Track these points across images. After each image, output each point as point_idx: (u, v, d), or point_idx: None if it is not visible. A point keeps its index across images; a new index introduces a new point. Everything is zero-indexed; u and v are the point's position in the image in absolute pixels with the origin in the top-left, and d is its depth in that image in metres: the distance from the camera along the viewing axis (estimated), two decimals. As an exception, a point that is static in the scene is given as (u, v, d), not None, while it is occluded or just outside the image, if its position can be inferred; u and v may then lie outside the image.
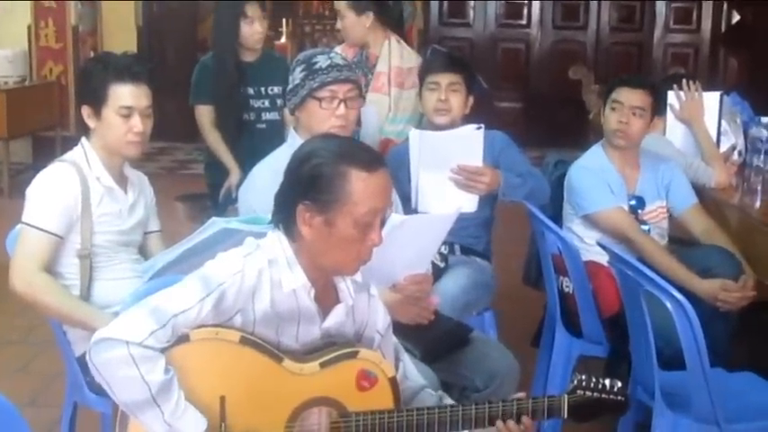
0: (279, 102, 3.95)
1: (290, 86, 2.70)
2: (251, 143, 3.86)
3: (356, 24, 3.71)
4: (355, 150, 1.90)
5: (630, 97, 3.32)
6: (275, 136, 3.81)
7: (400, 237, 2.42)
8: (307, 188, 1.87)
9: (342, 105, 2.63)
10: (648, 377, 2.69)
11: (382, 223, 1.94)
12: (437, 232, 2.67)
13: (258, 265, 1.90)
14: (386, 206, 1.92)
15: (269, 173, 2.62)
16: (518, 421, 1.98)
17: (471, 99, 3.33)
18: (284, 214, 1.92)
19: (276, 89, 3.92)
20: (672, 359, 2.64)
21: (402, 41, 3.85)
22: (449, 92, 3.26)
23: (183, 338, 1.83)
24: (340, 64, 2.66)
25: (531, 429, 2.00)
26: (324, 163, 1.86)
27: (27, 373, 3.95)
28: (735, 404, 2.58)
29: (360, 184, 1.85)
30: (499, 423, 1.97)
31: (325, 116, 2.63)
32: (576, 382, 2.02)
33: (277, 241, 1.94)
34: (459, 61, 3.41)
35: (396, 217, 2.43)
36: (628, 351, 2.89)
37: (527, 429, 1.99)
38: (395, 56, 3.73)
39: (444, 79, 3.26)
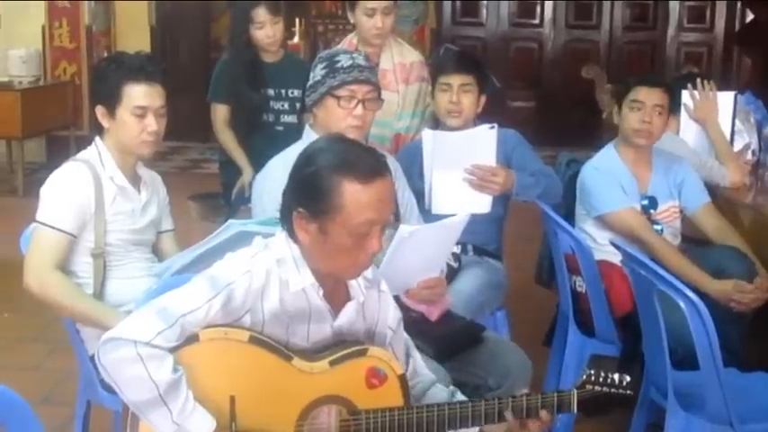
0: (298, 105, 3.96)
1: (310, 82, 2.71)
2: (268, 144, 3.85)
3: (394, 19, 3.70)
4: (352, 160, 1.85)
5: (651, 96, 3.30)
6: (292, 138, 3.82)
7: (411, 247, 2.43)
8: (302, 195, 1.87)
9: (360, 106, 2.64)
10: (661, 377, 2.68)
11: (384, 228, 1.91)
12: (449, 238, 2.67)
13: (266, 265, 1.90)
14: (384, 217, 1.88)
15: (283, 168, 2.63)
16: (536, 416, 1.99)
17: (484, 98, 3.33)
18: (286, 217, 1.92)
19: (296, 92, 3.92)
20: (685, 359, 2.63)
21: (399, 39, 3.87)
22: (461, 93, 3.25)
23: (193, 338, 1.83)
24: (362, 65, 2.67)
25: (548, 423, 2.00)
26: (317, 172, 1.84)
27: (41, 371, 3.97)
28: (748, 404, 2.56)
29: (353, 197, 1.81)
30: (508, 414, 1.96)
31: (343, 115, 2.64)
32: (585, 376, 2.02)
33: (285, 241, 1.94)
34: (470, 61, 3.40)
35: (404, 228, 2.43)
36: (640, 350, 2.89)
37: (544, 424, 1.99)
38: (396, 52, 3.74)
39: (456, 80, 3.25)
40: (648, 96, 3.31)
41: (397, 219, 2.82)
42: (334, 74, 2.64)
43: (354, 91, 2.64)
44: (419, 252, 2.50)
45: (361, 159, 1.86)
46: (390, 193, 1.90)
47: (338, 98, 2.64)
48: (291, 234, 1.92)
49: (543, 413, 1.99)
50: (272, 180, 2.64)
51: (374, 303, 2.07)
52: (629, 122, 3.34)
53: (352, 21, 3.72)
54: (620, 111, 3.38)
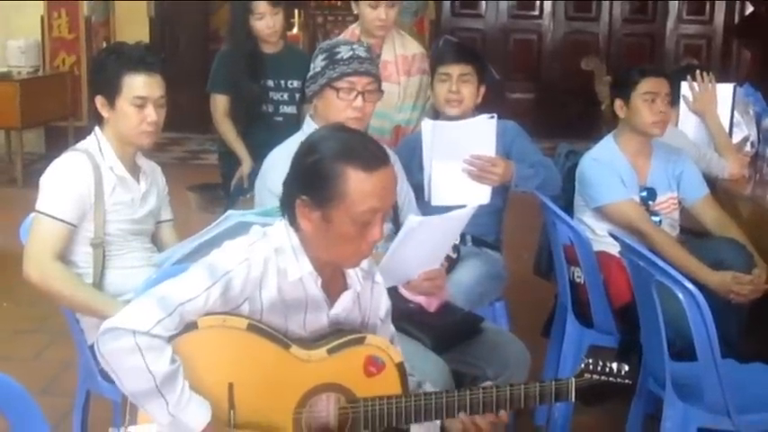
0: (297, 96, 3.96)
1: (311, 73, 2.71)
2: (267, 135, 3.85)
3: (397, 11, 3.70)
4: (357, 148, 1.86)
5: (662, 86, 3.30)
6: (291, 129, 3.82)
7: (417, 237, 2.43)
8: (305, 183, 1.87)
9: (359, 98, 2.64)
10: (659, 368, 2.69)
11: (385, 217, 1.92)
12: (453, 231, 2.68)
13: (264, 254, 1.90)
14: (387, 205, 1.91)
15: (287, 158, 2.63)
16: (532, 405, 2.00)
17: (483, 89, 3.33)
18: (288, 205, 1.92)
19: (296, 83, 3.93)
20: (683, 350, 2.64)
21: (401, 31, 3.87)
22: (460, 83, 3.25)
23: (191, 326, 1.84)
24: (362, 56, 2.66)
25: (504, 422, 2.00)
26: (322, 160, 1.85)
27: (40, 361, 3.97)
28: (746, 395, 2.57)
29: (357, 185, 1.82)
30: (462, 415, 1.97)
31: (342, 107, 2.64)
32: (583, 365, 2.03)
33: (284, 230, 1.94)
34: (470, 52, 3.40)
35: (413, 219, 2.43)
36: (639, 341, 2.89)
37: (500, 421, 1.99)
38: (398, 44, 3.74)
39: (455, 70, 3.25)
40: (660, 86, 3.30)
41: (396, 211, 2.83)
42: (334, 65, 2.64)
43: (354, 83, 2.64)
44: (424, 243, 2.50)
45: (364, 148, 1.87)
46: (393, 181, 1.91)
47: (337, 90, 2.63)
48: (293, 222, 1.92)
49: (502, 413, 1.98)
50: (276, 172, 2.64)
51: (368, 294, 2.08)
52: (645, 115, 3.28)
53: (355, 11, 3.72)
54: (626, 104, 3.32)
